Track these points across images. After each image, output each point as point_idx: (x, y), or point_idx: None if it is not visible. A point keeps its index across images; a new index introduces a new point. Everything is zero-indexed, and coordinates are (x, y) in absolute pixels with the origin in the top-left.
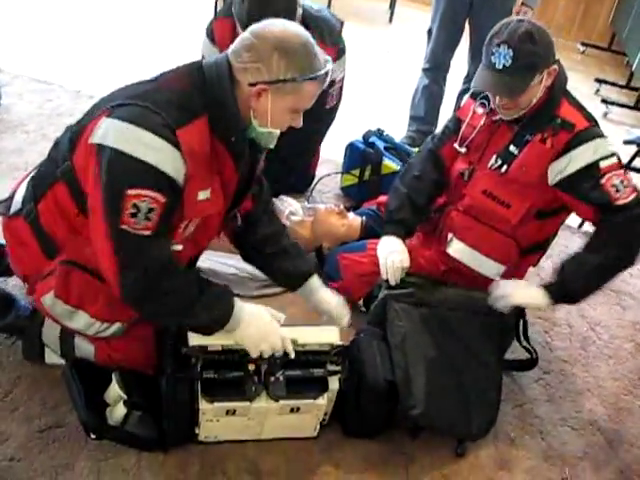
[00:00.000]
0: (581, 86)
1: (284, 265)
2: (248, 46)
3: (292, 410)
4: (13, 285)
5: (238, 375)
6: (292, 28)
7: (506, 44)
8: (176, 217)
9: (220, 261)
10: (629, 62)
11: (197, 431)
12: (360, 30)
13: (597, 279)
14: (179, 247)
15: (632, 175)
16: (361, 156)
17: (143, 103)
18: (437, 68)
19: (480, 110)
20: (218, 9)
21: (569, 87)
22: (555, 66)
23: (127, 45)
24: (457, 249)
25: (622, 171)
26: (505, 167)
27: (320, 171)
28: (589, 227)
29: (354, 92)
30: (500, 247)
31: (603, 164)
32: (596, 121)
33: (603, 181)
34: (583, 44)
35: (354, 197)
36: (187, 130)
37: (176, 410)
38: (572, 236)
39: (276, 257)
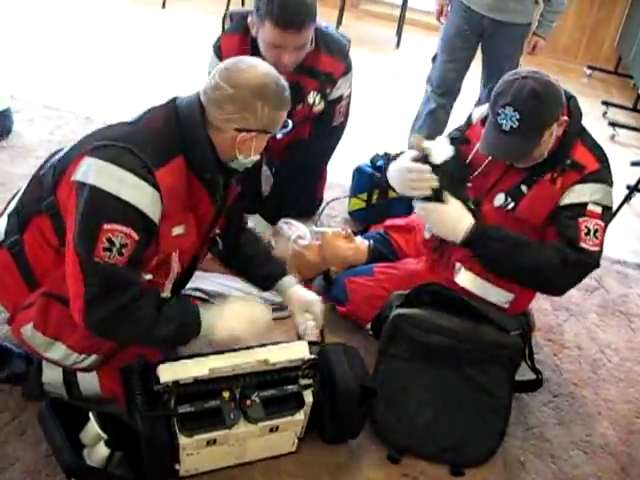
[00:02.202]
0: (588, 109)
1: (256, 270)
2: (229, 97)
3: (271, 430)
4: None
5: (214, 404)
6: (262, 69)
7: (511, 106)
8: (150, 252)
9: (226, 284)
10: (635, 85)
11: (177, 467)
12: (367, 55)
13: (514, 270)
14: (149, 277)
15: (638, 196)
16: (369, 180)
17: (124, 144)
18: (446, 95)
19: None
20: (226, 27)
21: None
22: (565, 117)
23: (136, 72)
24: (465, 278)
25: (602, 224)
26: (513, 204)
27: (328, 195)
28: None
29: (362, 116)
30: None
31: (591, 207)
32: (607, 162)
33: (580, 220)
34: (590, 67)
35: (362, 221)
36: (165, 170)
37: (155, 450)
38: None
39: (247, 264)
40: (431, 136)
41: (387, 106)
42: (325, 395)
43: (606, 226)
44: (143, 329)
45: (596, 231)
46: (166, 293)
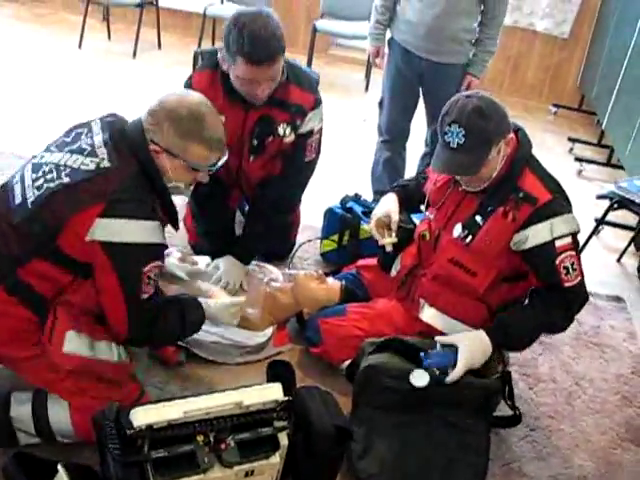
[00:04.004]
0: (555, 146)
1: None
2: (151, 111)
3: (247, 474)
4: None
5: (188, 449)
6: (189, 99)
7: (457, 123)
8: None
9: (202, 329)
10: (599, 121)
11: None
12: (337, 99)
13: (534, 336)
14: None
15: (606, 229)
16: (339, 221)
17: (128, 196)
18: (397, 139)
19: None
20: (197, 65)
21: (545, 147)
22: (511, 135)
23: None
24: (429, 315)
25: (574, 253)
26: (470, 238)
27: (300, 237)
28: None
29: (332, 159)
30: (471, 311)
31: (558, 243)
32: (560, 189)
33: (557, 262)
34: (555, 105)
35: (334, 262)
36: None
37: None
38: None
39: None
40: (393, 182)
41: (357, 149)
42: (300, 437)
43: (578, 251)
44: (172, 336)
45: (572, 264)
46: None
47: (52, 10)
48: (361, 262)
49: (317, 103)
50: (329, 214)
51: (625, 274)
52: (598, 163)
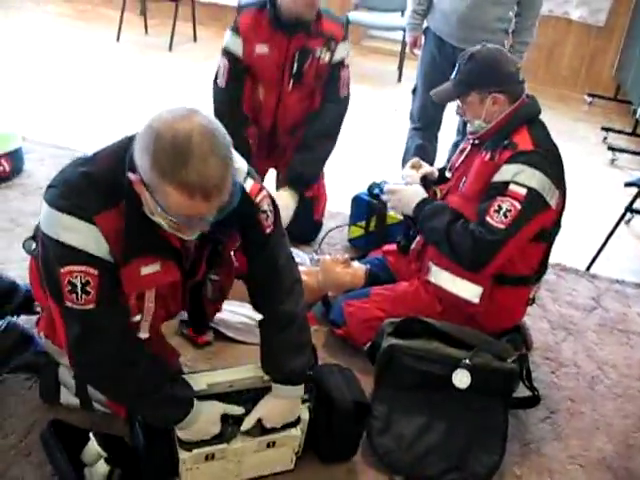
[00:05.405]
0: (589, 135)
1: (266, 350)
2: (142, 132)
3: (269, 445)
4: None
5: None
6: (182, 124)
7: (459, 62)
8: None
9: (229, 309)
10: (635, 110)
11: None
12: (370, 89)
13: (439, 237)
14: (137, 318)
15: (636, 217)
16: (366, 208)
17: (64, 187)
18: (428, 127)
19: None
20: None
21: (578, 137)
22: (500, 95)
23: (143, 111)
24: (435, 275)
25: (520, 207)
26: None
27: (328, 224)
28: (597, 270)
29: (363, 147)
30: None
31: (512, 187)
32: (547, 152)
33: (497, 199)
34: (590, 95)
35: (362, 248)
36: (109, 215)
37: (155, 463)
38: (579, 279)
39: (266, 339)
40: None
41: (388, 138)
42: (321, 411)
43: (527, 210)
44: (135, 394)
45: (508, 211)
46: (143, 333)
47: (92, 6)
48: (387, 247)
49: (345, 37)
50: (356, 201)
51: None
52: (632, 152)
